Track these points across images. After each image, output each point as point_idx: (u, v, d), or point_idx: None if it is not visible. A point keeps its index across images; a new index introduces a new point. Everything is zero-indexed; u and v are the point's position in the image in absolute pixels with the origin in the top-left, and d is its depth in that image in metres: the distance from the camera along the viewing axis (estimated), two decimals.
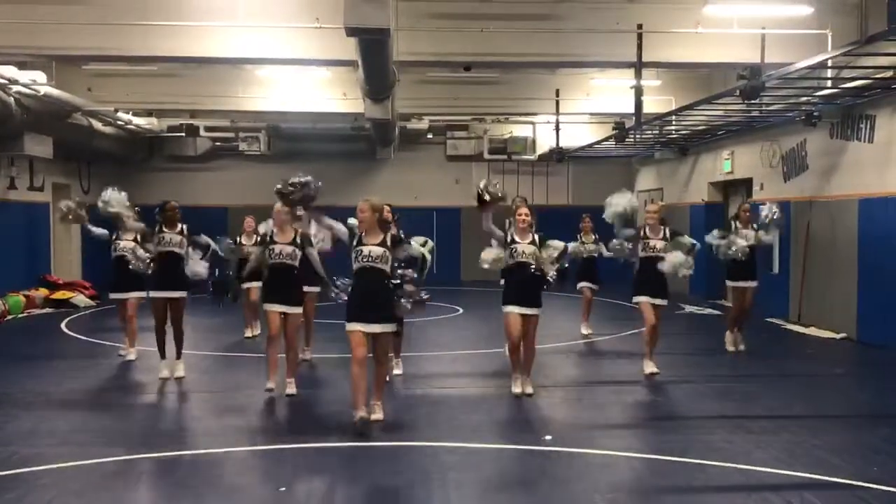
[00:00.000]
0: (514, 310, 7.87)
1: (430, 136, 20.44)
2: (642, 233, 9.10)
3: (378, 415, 6.95)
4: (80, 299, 15.31)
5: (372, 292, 6.75)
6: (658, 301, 8.97)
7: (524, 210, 8.02)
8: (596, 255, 11.68)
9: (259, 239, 8.39)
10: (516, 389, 8.05)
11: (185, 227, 8.83)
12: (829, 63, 9.95)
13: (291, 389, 7.95)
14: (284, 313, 7.91)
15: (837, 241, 12.12)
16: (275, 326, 7.92)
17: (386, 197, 7.91)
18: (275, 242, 7.86)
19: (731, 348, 10.53)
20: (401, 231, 7.30)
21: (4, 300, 13.70)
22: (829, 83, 10.97)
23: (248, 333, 11.49)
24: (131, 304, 9.73)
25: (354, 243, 6.82)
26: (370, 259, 6.73)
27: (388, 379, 7.82)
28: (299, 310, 8.07)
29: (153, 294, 8.80)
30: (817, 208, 12.74)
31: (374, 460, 6.11)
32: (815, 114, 11.82)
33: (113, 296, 10.10)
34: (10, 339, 12.13)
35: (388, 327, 6.85)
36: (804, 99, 11.53)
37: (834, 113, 11.87)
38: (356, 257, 6.77)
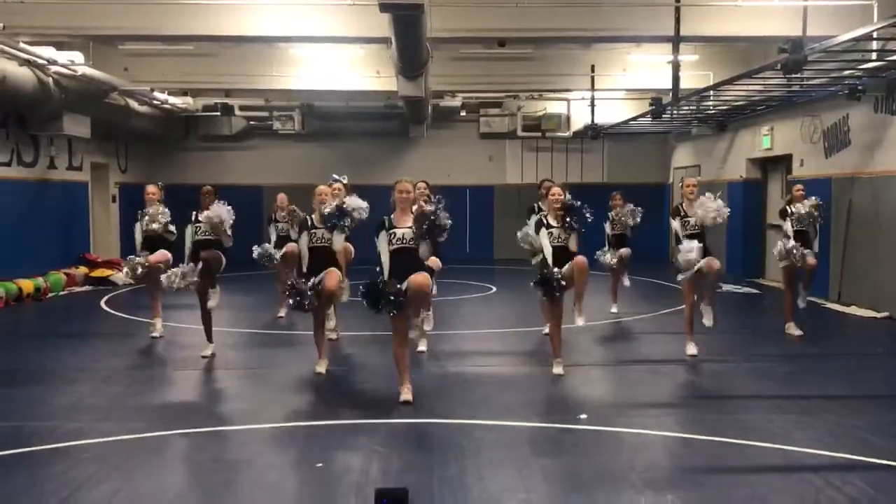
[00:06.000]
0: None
1: (463, 113, 20.30)
2: (682, 210, 8.89)
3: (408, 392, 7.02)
4: (119, 277, 15.54)
5: (408, 270, 6.82)
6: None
7: (557, 189, 7.85)
8: (628, 231, 11.58)
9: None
10: (557, 370, 7.97)
11: None
12: (875, 35, 9.64)
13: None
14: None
15: (881, 219, 11.85)
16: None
17: (419, 175, 7.88)
18: (315, 227, 7.89)
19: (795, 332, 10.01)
20: (438, 207, 7.21)
21: (46, 278, 13.96)
22: (873, 56, 10.64)
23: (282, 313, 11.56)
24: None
25: (386, 226, 6.88)
26: (404, 241, 6.87)
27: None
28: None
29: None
30: (859, 185, 12.45)
31: (408, 437, 6.15)
32: (859, 88, 11.51)
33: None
34: (51, 316, 12.39)
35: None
36: (847, 72, 11.22)
37: (879, 86, 11.55)
38: (390, 240, 6.86)
